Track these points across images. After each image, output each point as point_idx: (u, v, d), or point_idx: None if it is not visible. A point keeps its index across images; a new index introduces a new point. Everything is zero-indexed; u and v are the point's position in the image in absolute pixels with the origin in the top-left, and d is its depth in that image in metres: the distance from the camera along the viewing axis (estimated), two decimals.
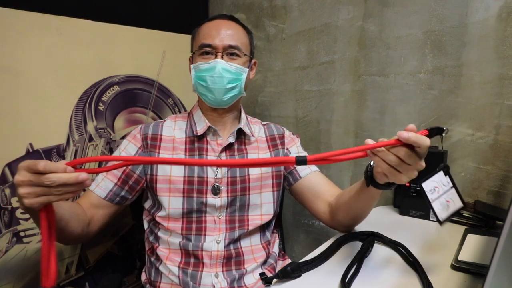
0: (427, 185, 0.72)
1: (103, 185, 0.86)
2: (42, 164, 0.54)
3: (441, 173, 0.73)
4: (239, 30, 0.90)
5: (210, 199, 0.86)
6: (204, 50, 0.86)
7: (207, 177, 0.87)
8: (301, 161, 0.56)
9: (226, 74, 0.84)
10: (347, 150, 0.56)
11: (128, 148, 0.89)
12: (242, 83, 0.88)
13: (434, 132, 0.58)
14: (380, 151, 0.57)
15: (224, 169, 0.88)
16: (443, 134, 0.60)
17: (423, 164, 0.57)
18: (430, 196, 0.71)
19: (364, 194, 0.74)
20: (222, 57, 0.85)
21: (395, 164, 0.56)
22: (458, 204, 0.72)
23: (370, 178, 0.68)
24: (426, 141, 0.54)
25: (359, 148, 0.56)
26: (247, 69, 0.90)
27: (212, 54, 0.86)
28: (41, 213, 0.59)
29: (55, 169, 0.55)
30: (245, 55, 0.89)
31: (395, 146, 0.55)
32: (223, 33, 0.86)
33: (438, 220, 0.72)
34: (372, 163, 0.68)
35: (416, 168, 0.57)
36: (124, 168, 0.87)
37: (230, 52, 0.86)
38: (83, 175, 0.57)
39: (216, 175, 0.87)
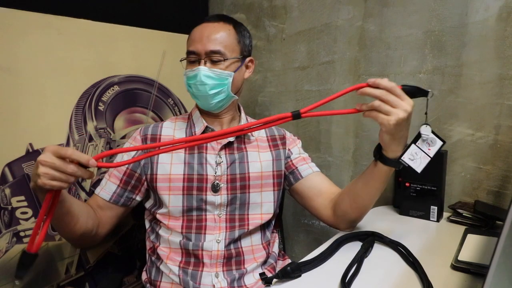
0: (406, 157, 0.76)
1: (107, 188, 0.88)
2: (70, 151, 0.61)
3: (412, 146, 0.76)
4: (224, 32, 0.87)
5: (210, 197, 0.87)
6: (190, 58, 0.87)
7: (206, 175, 0.87)
8: (296, 115, 0.68)
9: (208, 80, 0.83)
10: (333, 97, 0.69)
11: None
12: (228, 87, 0.86)
13: (408, 88, 0.69)
14: (366, 91, 0.70)
15: (224, 167, 0.89)
16: (428, 97, 0.69)
17: (405, 105, 0.68)
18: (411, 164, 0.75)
19: (373, 176, 0.78)
20: (205, 63, 0.85)
21: (384, 95, 0.68)
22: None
23: (379, 153, 0.75)
24: (383, 80, 0.68)
25: (341, 92, 0.69)
26: (233, 73, 0.87)
27: (196, 61, 0.86)
28: (48, 194, 0.63)
29: (78, 158, 0.62)
30: (228, 59, 0.86)
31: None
32: (206, 38, 0.85)
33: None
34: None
35: (407, 102, 0.68)
36: (125, 169, 0.88)
37: (211, 57, 0.85)
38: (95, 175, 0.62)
39: (215, 173, 0.88)
